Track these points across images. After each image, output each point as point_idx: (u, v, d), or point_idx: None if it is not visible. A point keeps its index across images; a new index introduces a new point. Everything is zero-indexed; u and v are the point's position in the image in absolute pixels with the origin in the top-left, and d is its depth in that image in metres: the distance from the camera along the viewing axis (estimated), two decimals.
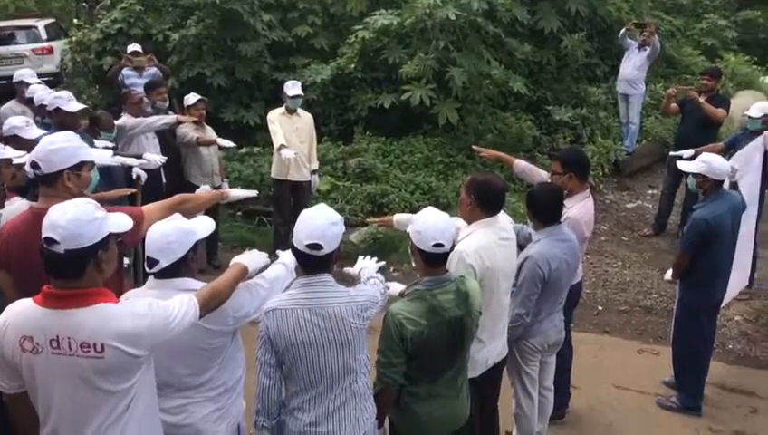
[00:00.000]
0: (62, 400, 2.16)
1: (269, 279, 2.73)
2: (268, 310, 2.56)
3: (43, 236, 2.11)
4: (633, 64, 9.09)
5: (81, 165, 2.85)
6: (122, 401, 2.19)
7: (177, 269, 2.49)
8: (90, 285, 2.16)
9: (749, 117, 6.09)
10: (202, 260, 5.79)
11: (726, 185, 4.49)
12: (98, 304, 2.14)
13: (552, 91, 9.69)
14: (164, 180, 5.96)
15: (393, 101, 8.58)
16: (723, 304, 4.94)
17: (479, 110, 8.97)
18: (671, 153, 6.52)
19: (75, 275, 2.13)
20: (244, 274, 2.65)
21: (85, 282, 2.15)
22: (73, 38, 10.67)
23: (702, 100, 6.97)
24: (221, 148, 6.60)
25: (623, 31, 9.25)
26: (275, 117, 6.54)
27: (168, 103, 6.73)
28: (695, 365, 4.57)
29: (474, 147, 5.13)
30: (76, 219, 2.12)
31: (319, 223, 2.54)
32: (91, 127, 5.45)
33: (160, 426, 2.41)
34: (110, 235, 2.22)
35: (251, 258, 2.73)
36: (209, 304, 2.41)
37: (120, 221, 2.32)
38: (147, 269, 2.50)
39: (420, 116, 8.74)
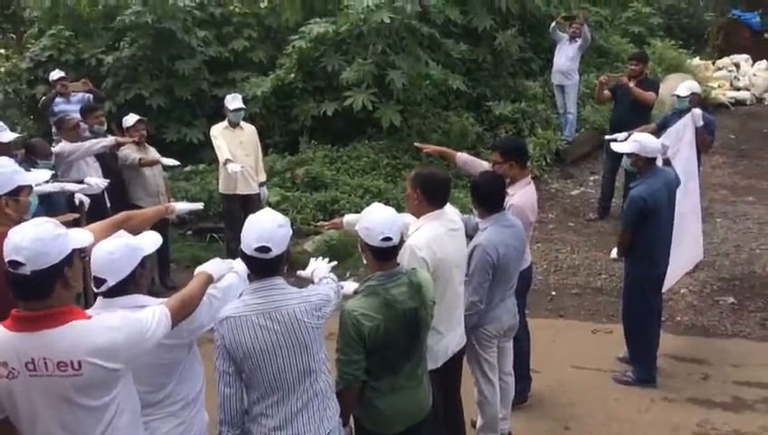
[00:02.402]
0: (45, 420, 2.16)
1: (221, 288, 2.70)
2: (222, 318, 2.55)
3: (6, 259, 2.09)
4: (566, 56, 9.36)
5: (19, 190, 2.82)
6: (105, 415, 2.20)
7: (126, 287, 2.42)
8: (59, 303, 2.15)
9: (677, 96, 6.32)
10: (152, 280, 5.68)
11: (660, 162, 4.68)
12: (70, 321, 2.13)
13: (491, 87, 9.85)
14: (108, 205, 5.84)
15: (336, 108, 8.60)
16: (678, 279, 5.14)
17: (421, 111, 9.08)
18: (606, 137, 6.73)
19: (44, 295, 2.12)
20: (209, 281, 2.63)
21: (54, 301, 2.14)
22: (2, 69, 10.38)
23: (632, 85, 7.22)
24: (165, 168, 6.53)
25: (553, 24, 9.53)
26: (218, 132, 6.51)
27: (105, 127, 6.61)
28: (646, 339, 4.73)
29: (416, 144, 5.23)
30: (39, 238, 2.11)
31: (266, 226, 2.56)
32: (27, 156, 5.32)
33: None
34: (74, 250, 2.21)
35: (215, 266, 2.71)
36: (179, 314, 2.41)
37: (81, 237, 2.32)
38: (94, 289, 2.44)
39: (364, 121, 8.80)
